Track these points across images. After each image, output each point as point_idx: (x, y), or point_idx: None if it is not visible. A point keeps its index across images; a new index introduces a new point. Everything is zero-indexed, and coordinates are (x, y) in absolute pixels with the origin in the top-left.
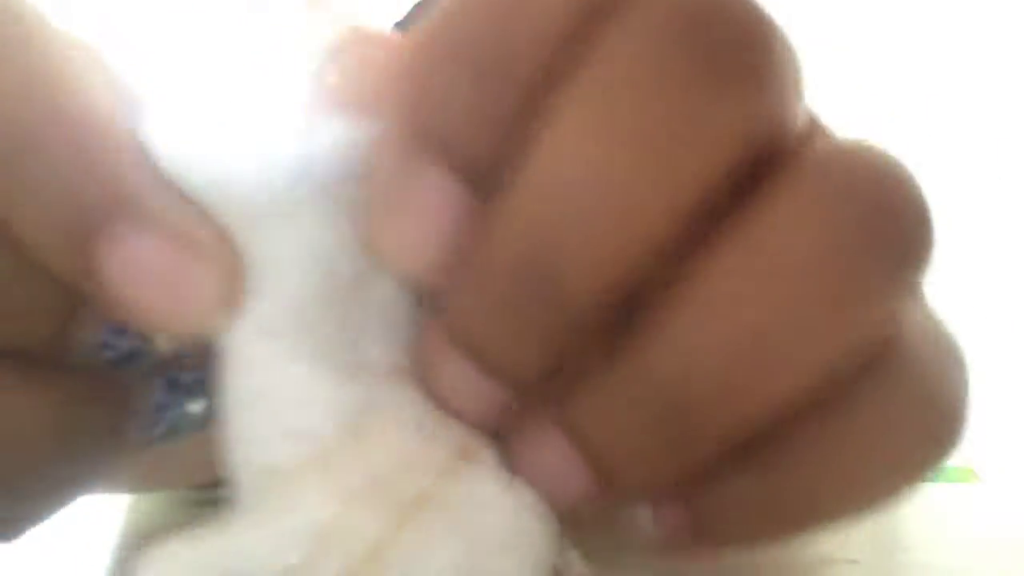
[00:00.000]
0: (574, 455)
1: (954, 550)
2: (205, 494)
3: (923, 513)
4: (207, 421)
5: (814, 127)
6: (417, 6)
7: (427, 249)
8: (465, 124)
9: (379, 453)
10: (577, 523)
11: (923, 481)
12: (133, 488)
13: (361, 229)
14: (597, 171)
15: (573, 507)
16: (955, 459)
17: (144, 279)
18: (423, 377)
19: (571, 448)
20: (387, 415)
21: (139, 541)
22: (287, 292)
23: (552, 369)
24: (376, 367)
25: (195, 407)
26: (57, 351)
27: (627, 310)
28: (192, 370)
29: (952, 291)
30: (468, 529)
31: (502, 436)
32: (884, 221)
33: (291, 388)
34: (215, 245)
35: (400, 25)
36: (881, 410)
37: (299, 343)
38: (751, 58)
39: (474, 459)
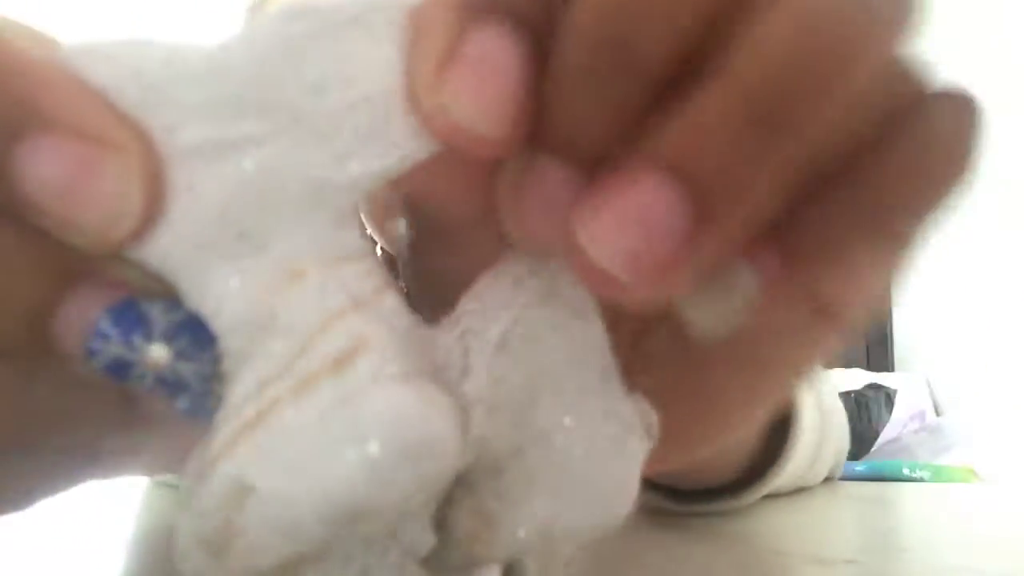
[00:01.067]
0: (673, 188)
1: (954, 550)
2: None
3: (923, 513)
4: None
5: None
6: None
7: (495, 106)
8: None
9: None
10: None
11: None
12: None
13: (415, 84)
14: None
15: (677, 257)
16: (955, 459)
17: (57, 175)
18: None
19: (669, 182)
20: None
21: (153, 541)
22: (211, 198)
23: (624, 133)
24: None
25: (155, 352)
26: (36, 351)
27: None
28: (197, 382)
29: (953, 294)
30: None
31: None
32: None
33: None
34: (129, 137)
35: None
36: (928, 138)
37: (230, 246)
38: None
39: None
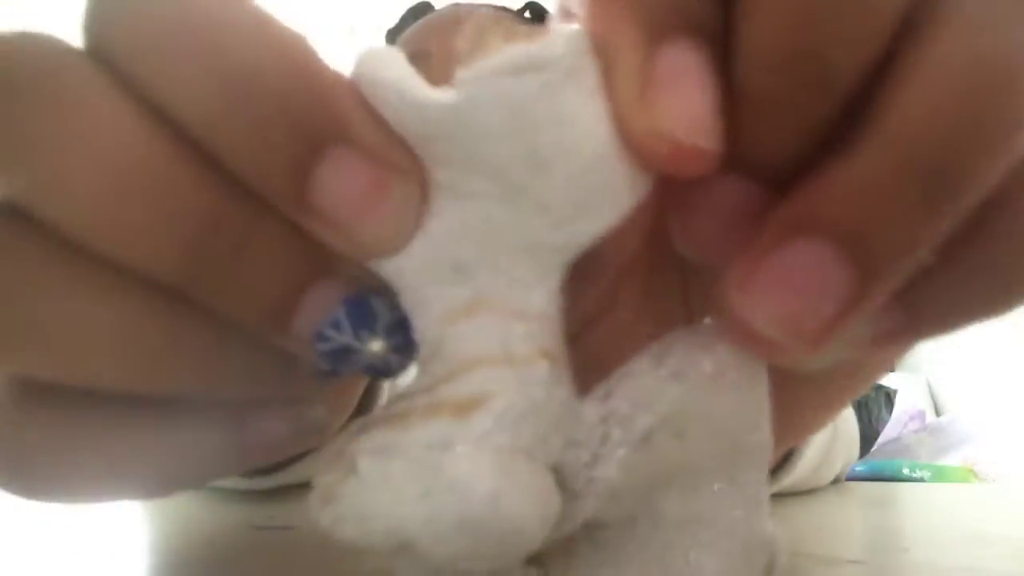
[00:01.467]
0: (836, 252)
1: (953, 550)
2: (235, 484)
3: (923, 513)
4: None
5: None
6: (409, 12)
7: (706, 119)
8: None
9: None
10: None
11: None
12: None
13: (625, 112)
14: None
15: (838, 321)
16: (955, 459)
17: (353, 192)
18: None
19: (831, 246)
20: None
21: (171, 542)
22: (441, 229)
23: (814, 153)
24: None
25: (375, 346)
26: (272, 332)
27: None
28: (397, 369)
29: None
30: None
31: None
32: None
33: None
34: (411, 163)
35: (392, 32)
36: None
37: (444, 273)
38: None
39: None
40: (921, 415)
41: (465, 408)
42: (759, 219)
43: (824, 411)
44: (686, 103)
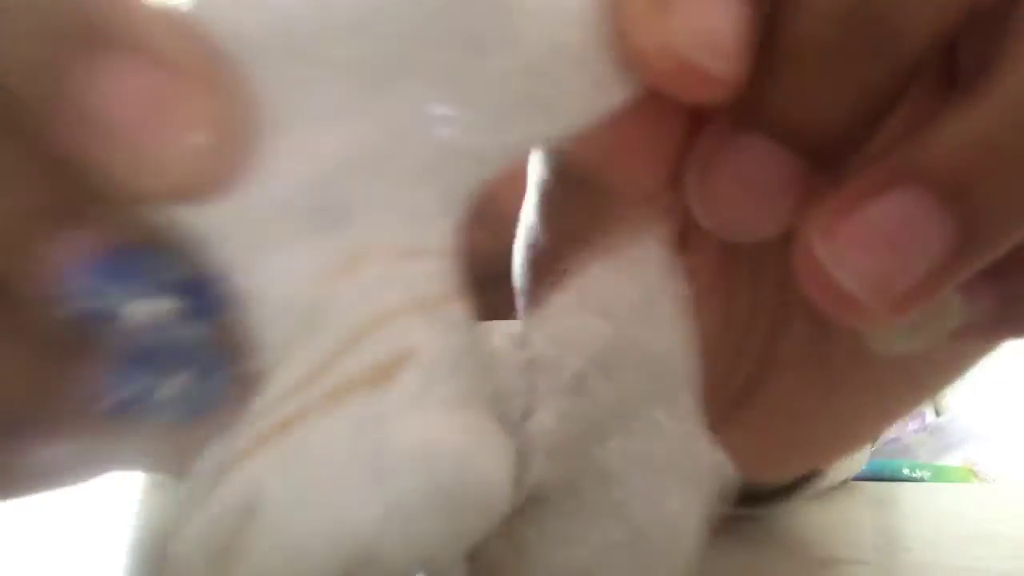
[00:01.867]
0: (937, 205)
1: (954, 550)
2: None
3: (923, 513)
4: (186, 411)
5: None
6: None
7: (724, 40)
8: None
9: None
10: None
11: None
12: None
13: (631, 16)
14: None
15: (932, 283)
16: (955, 459)
17: (124, 107)
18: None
19: (932, 197)
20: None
21: (156, 538)
22: (307, 167)
23: (860, 129)
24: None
25: (167, 390)
26: (11, 285)
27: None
28: (173, 345)
29: None
30: None
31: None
32: None
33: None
34: (215, 75)
35: None
36: None
37: (298, 220)
38: None
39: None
40: (921, 415)
41: (385, 372)
42: (792, 195)
43: (880, 421)
44: (704, 19)
